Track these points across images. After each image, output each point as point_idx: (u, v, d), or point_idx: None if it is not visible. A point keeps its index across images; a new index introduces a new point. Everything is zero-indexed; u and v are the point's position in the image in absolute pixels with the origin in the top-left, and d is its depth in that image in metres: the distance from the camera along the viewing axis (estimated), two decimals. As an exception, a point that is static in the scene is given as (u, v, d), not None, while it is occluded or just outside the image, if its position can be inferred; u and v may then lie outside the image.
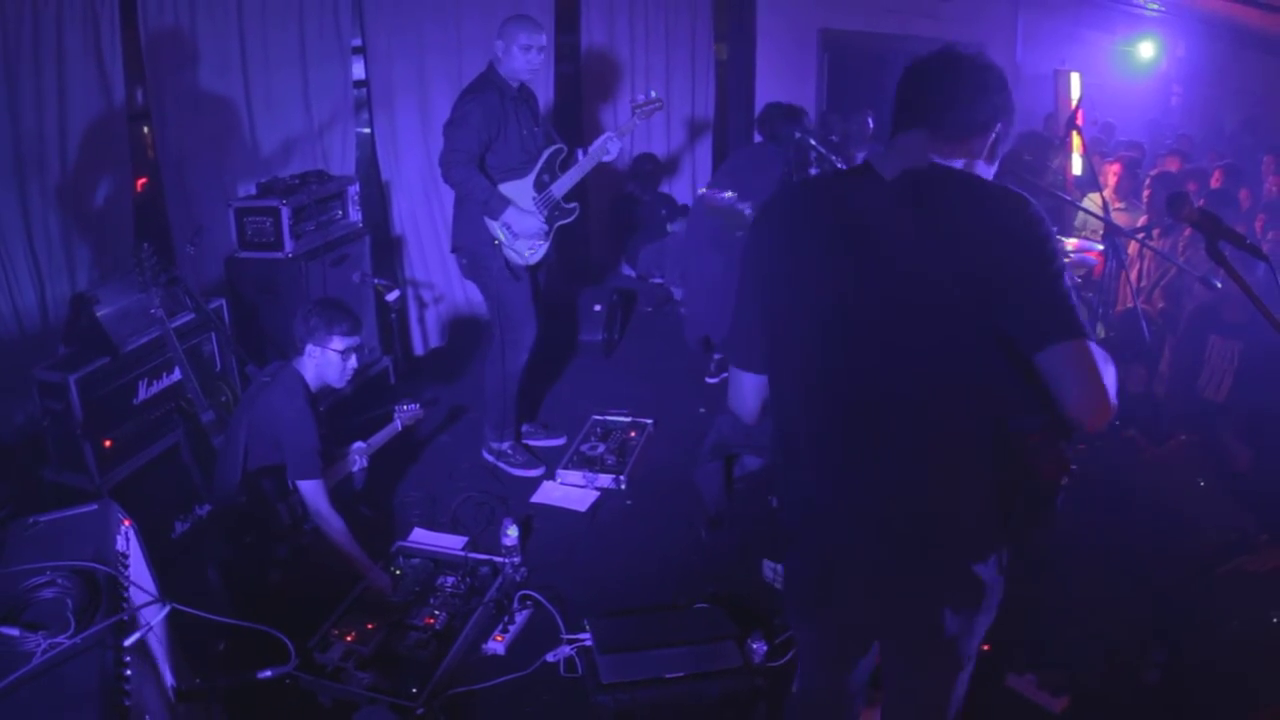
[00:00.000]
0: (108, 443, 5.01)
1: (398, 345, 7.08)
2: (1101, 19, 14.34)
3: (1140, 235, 6.79)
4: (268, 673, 2.82)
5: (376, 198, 7.67)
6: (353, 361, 4.93)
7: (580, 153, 5.96)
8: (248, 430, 4.69)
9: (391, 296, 6.34)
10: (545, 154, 5.81)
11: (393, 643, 4.37)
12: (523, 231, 5.68)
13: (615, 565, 5.26)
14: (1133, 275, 7.13)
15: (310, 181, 6.43)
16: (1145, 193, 8.38)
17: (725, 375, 6.83)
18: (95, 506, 2.92)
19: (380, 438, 5.44)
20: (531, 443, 6.50)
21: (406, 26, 7.49)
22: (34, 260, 5.67)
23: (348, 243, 6.58)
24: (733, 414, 2.93)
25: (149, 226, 6.31)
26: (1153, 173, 8.91)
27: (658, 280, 9.11)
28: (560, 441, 6.57)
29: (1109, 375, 2.33)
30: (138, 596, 2.62)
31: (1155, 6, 13.72)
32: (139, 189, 6.57)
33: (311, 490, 4.66)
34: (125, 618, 2.44)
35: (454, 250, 5.96)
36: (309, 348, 4.79)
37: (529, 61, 5.59)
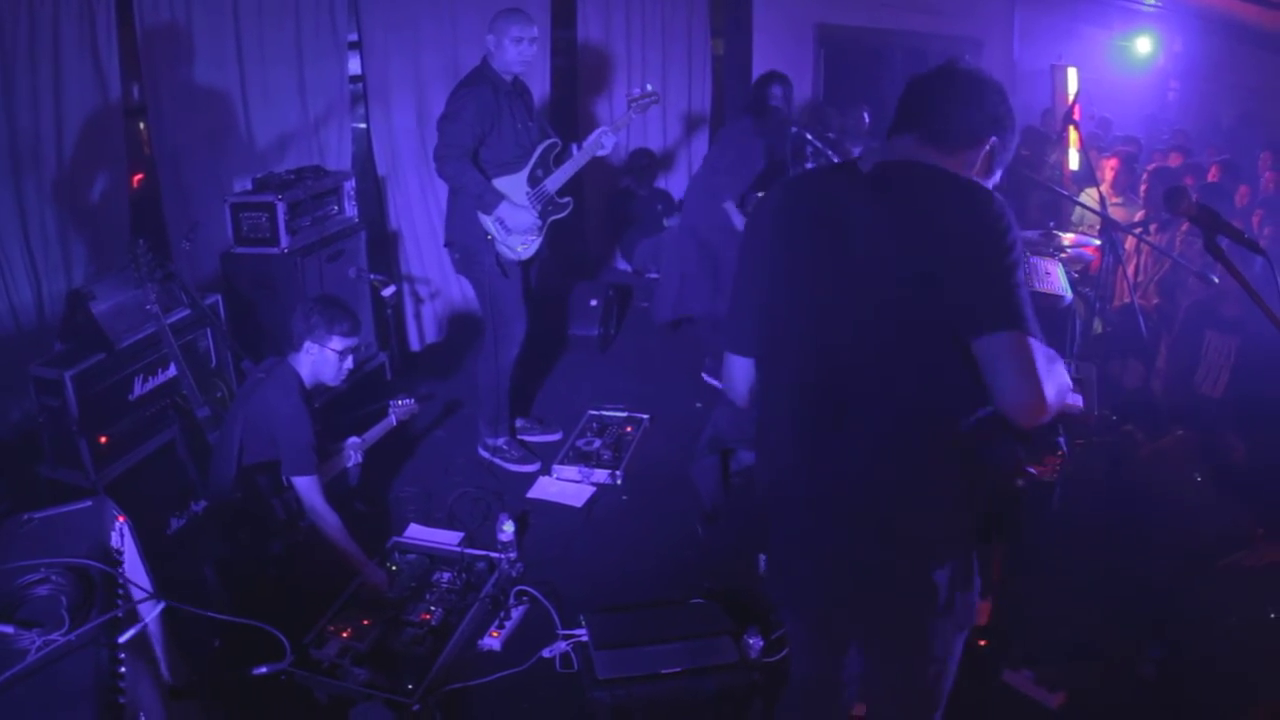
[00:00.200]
0: (103, 439, 5.00)
1: (394, 341, 7.06)
2: (1098, 14, 14.34)
3: (1137, 230, 6.79)
4: (263, 669, 2.82)
5: (373, 193, 7.65)
6: (349, 362, 4.92)
7: (575, 147, 5.95)
8: (243, 426, 4.68)
9: (387, 292, 6.33)
10: (539, 149, 5.80)
11: (389, 639, 4.36)
12: (516, 226, 5.67)
13: (611, 561, 5.27)
14: (1130, 270, 7.13)
15: (306, 177, 6.41)
16: (1142, 188, 8.37)
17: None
18: (90, 503, 2.92)
19: (375, 433, 5.43)
20: (527, 438, 6.49)
21: (403, 22, 7.47)
22: (30, 256, 5.65)
23: (344, 238, 6.56)
24: (729, 408, 2.98)
25: (145, 222, 6.30)
26: (1150, 167, 8.90)
27: (653, 275, 9.11)
28: (556, 437, 6.56)
29: (1053, 375, 2.33)
30: (133, 593, 2.61)
31: (1152, 2, 13.73)
32: (135, 185, 6.55)
33: (306, 486, 4.66)
34: (120, 614, 2.44)
35: (447, 245, 5.96)
36: (307, 344, 4.78)
37: (521, 54, 5.58)
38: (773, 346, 2.72)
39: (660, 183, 9.95)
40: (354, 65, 7.44)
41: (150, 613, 2.61)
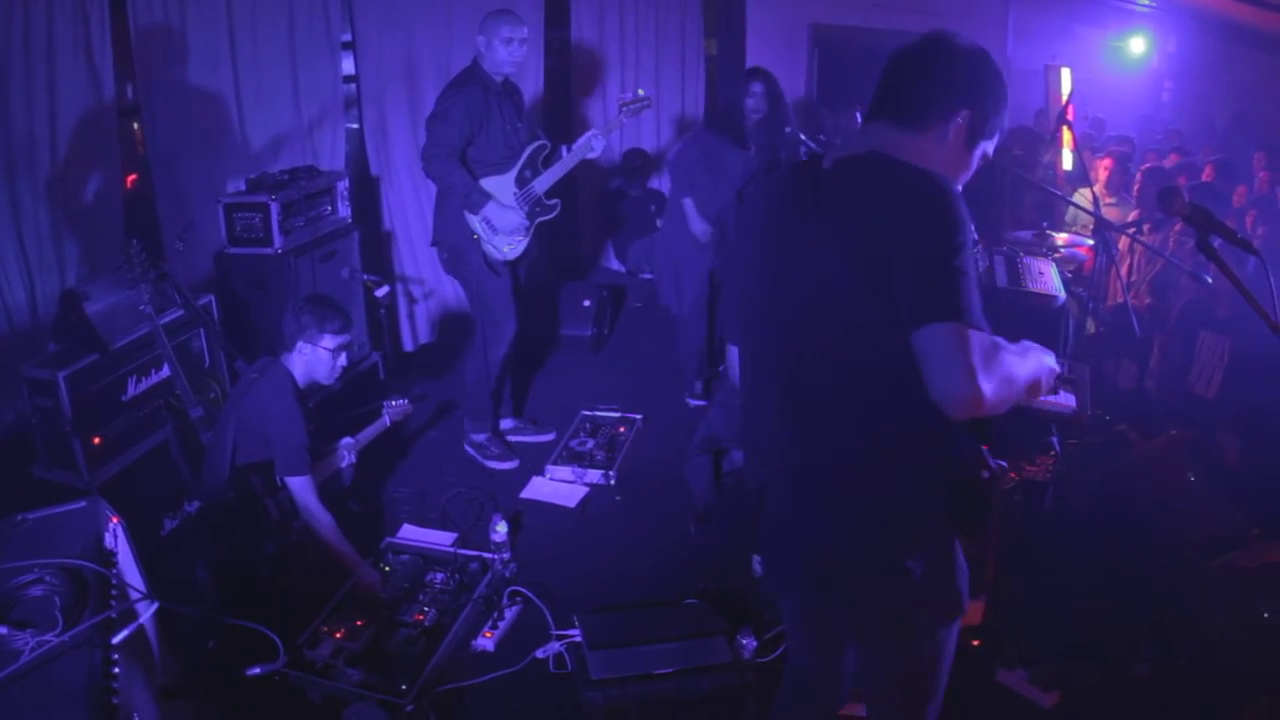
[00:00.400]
0: (97, 440, 4.99)
1: (387, 341, 7.06)
2: (1093, 14, 14.34)
3: (1131, 230, 6.80)
4: (257, 669, 2.82)
5: (366, 193, 7.65)
6: (342, 359, 4.93)
7: (564, 149, 5.96)
8: (236, 426, 4.68)
9: (381, 292, 6.33)
10: (528, 150, 5.81)
11: (382, 639, 4.36)
12: (503, 227, 5.68)
13: (604, 561, 5.27)
14: (1123, 270, 7.14)
15: (300, 177, 6.41)
16: (1136, 188, 8.38)
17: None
18: (84, 504, 2.92)
19: (369, 433, 5.43)
20: (520, 438, 6.50)
21: (397, 22, 7.47)
22: (24, 257, 5.65)
23: (337, 238, 6.55)
24: (722, 409, 3.03)
25: (138, 222, 6.29)
26: (1144, 167, 8.91)
27: (647, 276, 9.11)
28: (549, 437, 6.56)
29: (994, 368, 2.29)
30: (126, 594, 2.61)
31: (1146, 2, 13.73)
32: (129, 185, 6.55)
33: (300, 486, 4.65)
34: (113, 615, 2.44)
35: (434, 244, 5.98)
36: (300, 344, 4.78)
37: (511, 54, 5.60)
38: (749, 337, 2.78)
39: (653, 183, 9.95)
40: (348, 65, 7.44)
41: (144, 613, 2.61)
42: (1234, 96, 13.95)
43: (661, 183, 10.08)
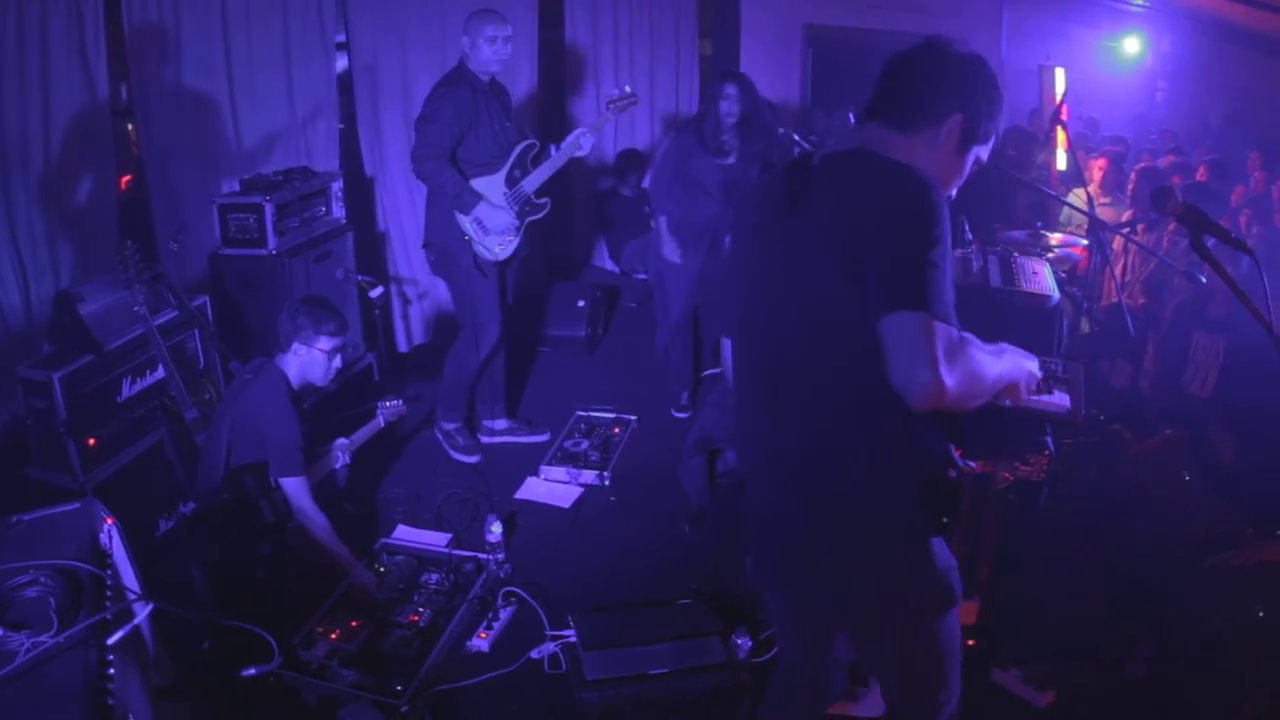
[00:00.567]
0: (91, 441, 4.99)
1: (381, 342, 7.05)
2: (1087, 14, 14.36)
3: (1125, 230, 6.80)
4: (252, 670, 2.82)
5: (360, 194, 7.64)
6: (337, 361, 4.93)
7: (553, 148, 5.97)
8: (230, 427, 4.67)
9: (375, 293, 6.32)
10: (517, 149, 5.83)
11: (377, 640, 4.37)
12: (493, 227, 5.70)
13: (599, 561, 5.27)
14: (1118, 270, 7.14)
15: (294, 178, 6.40)
16: (1130, 188, 8.39)
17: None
18: (78, 505, 2.92)
19: (363, 434, 5.43)
20: (515, 439, 6.51)
21: (390, 23, 7.47)
22: (18, 258, 5.64)
23: (331, 239, 6.55)
24: (716, 409, 3.06)
25: (133, 223, 6.29)
26: (1138, 167, 8.92)
27: (641, 276, 9.10)
28: (544, 438, 6.56)
29: (958, 360, 2.28)
30: (121, 595, 2.61)
31: (1141, 2, 13.76)
32: (123, 186, 6.54)
33: (294, 487, 4.65)
34: (108, 616, 2.44)
35: (424, 245, 5.99)
36: (295, 345, 4.78)
37: (497, 53, 5.61)
38: (739, 331, 2.81)
39: (646, 183, 9.93)
40: (341, 66, 7.44)
41: (139, 614, 2.60)
42: (1228, 96, 13.98)
43: (654, 183, 10.08)
